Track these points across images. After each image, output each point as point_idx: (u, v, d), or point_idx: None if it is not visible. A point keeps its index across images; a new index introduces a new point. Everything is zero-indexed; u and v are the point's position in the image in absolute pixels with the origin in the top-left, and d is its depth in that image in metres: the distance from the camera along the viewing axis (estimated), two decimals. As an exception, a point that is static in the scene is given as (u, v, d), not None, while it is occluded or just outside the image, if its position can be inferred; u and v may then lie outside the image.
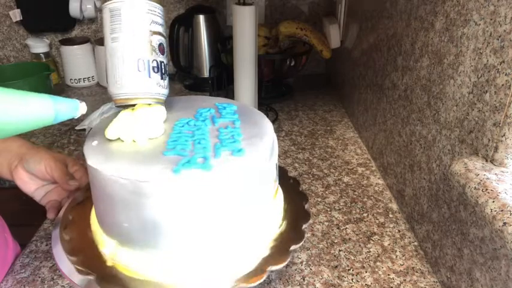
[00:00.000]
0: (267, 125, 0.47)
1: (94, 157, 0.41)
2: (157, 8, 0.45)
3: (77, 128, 0.98)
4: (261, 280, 0.41)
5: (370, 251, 0.58)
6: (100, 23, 1.27)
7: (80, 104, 0.40)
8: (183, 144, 0.42)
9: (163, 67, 0.45)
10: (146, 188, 0.38)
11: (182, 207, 0.39)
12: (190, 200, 0.39)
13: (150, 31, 0.44)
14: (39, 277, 0.54)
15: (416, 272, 0.54)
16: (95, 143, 0.44)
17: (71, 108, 0.40)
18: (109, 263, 0.44)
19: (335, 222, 0.64)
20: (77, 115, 0.40)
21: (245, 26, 0.82)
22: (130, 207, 0.40)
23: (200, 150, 0.40)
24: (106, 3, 0.43)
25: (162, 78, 0.45)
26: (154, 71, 0.45)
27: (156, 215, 0.39)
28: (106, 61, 0.45)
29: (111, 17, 0.43)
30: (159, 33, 0.45)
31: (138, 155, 0.41)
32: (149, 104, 0.45)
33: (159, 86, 0.45)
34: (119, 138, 0.44)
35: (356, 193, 0.72)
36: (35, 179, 0.56)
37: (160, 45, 0.45)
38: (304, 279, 0.53)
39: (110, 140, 0.44)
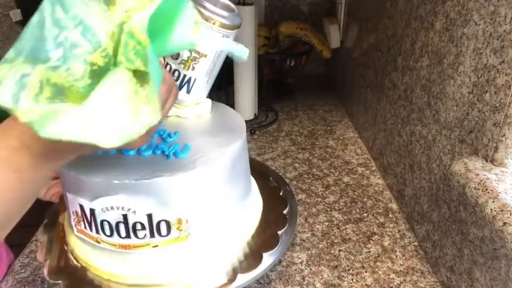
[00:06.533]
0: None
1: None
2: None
3: None
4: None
5: (370, 251, 0.58)
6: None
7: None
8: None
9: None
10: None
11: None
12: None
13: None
14: (39, 277, 0.53)
15: (416, 272, 0.54)
16: None
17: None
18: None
19: (335, 222, 0.64)
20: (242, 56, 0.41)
21: (245, 26, 0.82)
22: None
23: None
24: None
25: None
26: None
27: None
28: None
29: None
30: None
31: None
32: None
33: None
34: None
35: (356, 193, 0.72)
36: None
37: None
38: (304, 279, 0.53)
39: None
